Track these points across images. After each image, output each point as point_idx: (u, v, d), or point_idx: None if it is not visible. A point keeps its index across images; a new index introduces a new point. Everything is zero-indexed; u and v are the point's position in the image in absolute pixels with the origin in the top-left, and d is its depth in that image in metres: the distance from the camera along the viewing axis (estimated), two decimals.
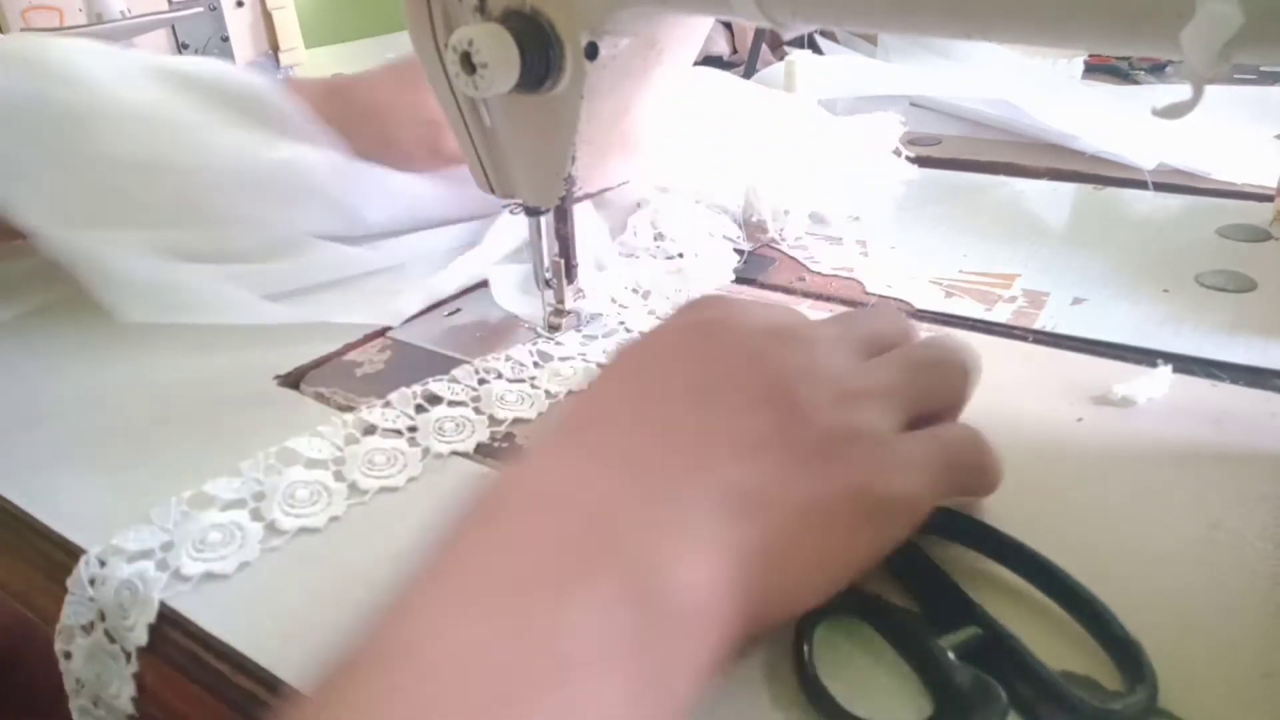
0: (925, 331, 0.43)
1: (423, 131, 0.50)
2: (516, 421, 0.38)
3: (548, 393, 0.39)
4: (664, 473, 0.24)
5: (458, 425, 0.37)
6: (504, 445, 0.36)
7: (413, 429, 0.37)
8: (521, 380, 0.40)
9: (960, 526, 0.28)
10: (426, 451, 0.36)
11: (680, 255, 0.50)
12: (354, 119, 0.50)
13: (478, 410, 0.38)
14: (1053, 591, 0.26)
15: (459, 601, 0.20)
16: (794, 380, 0.26)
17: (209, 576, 0.30)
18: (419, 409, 0.38)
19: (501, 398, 0.39)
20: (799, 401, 0.26)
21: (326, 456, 0.35)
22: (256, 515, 0.32)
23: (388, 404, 0.38)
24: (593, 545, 0.21)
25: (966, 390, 0.30)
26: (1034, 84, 0.81)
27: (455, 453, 0.36)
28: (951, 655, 0.24)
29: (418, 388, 0.39)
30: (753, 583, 0.23)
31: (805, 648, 0.25)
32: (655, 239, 0.51)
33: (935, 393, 0.29)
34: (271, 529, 0.32)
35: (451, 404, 0.39)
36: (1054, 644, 0.25)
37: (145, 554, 0.30)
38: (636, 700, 0.19)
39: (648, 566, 0.21)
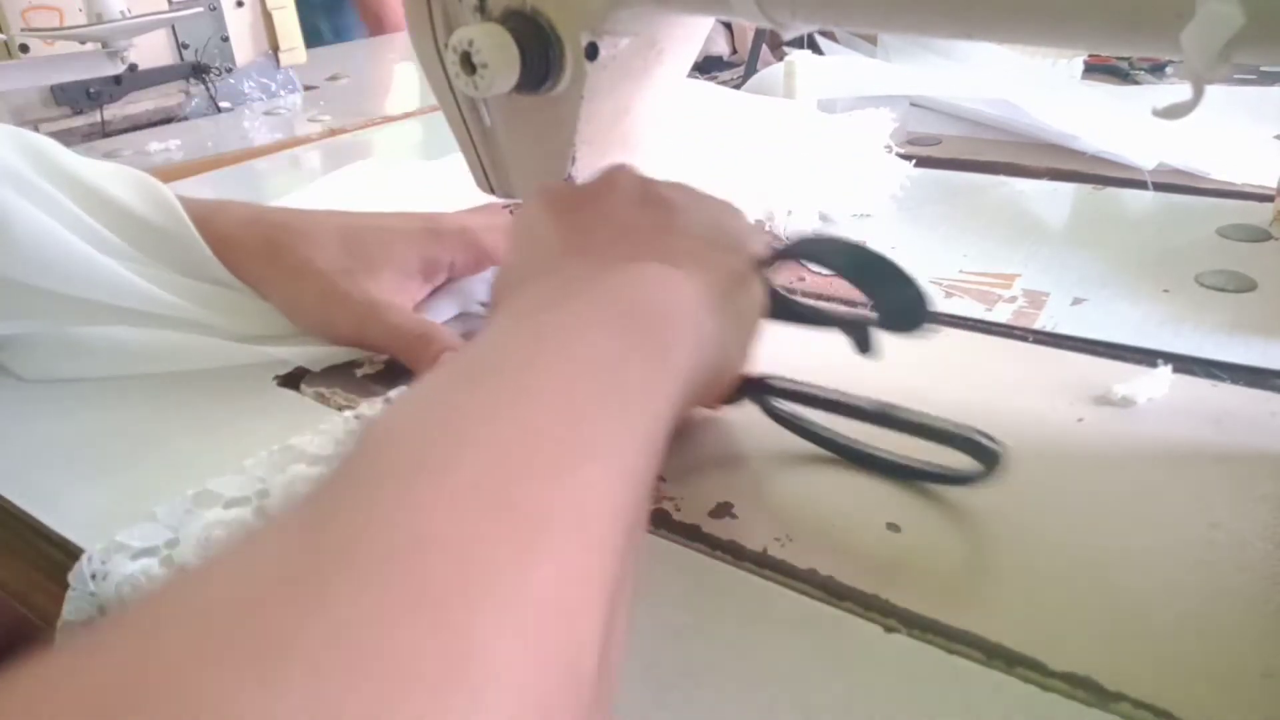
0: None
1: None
2: None
3: None
4: (611, 264, 0.29)
5: None
6: None
7: None
8: None
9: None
10: None
11: None
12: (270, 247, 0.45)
13: None
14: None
15: (481, 340, 0.25)
16: (643, 184, 0.35)
17: None
18: None
19: None
20: (664, 194, 0.34)
21: (329, 453, 0.35)
22: (260, 513, 0.32)
23: (388, 400, 0.38)
24: (579, 292, 0.27)
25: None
26: (1034, 84, 0.81)
27: None
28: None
29: None
30: (726, 306, 0.30)
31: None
32: None
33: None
34: None
35: None
36: None
37: (149, 551, 0.30)
38: (628, 357, 0.24)
39: (630, 287, 0.27)
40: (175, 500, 0.32)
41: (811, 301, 0.35)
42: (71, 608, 0.30)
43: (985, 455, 0.30)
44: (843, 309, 0.33)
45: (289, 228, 0.45)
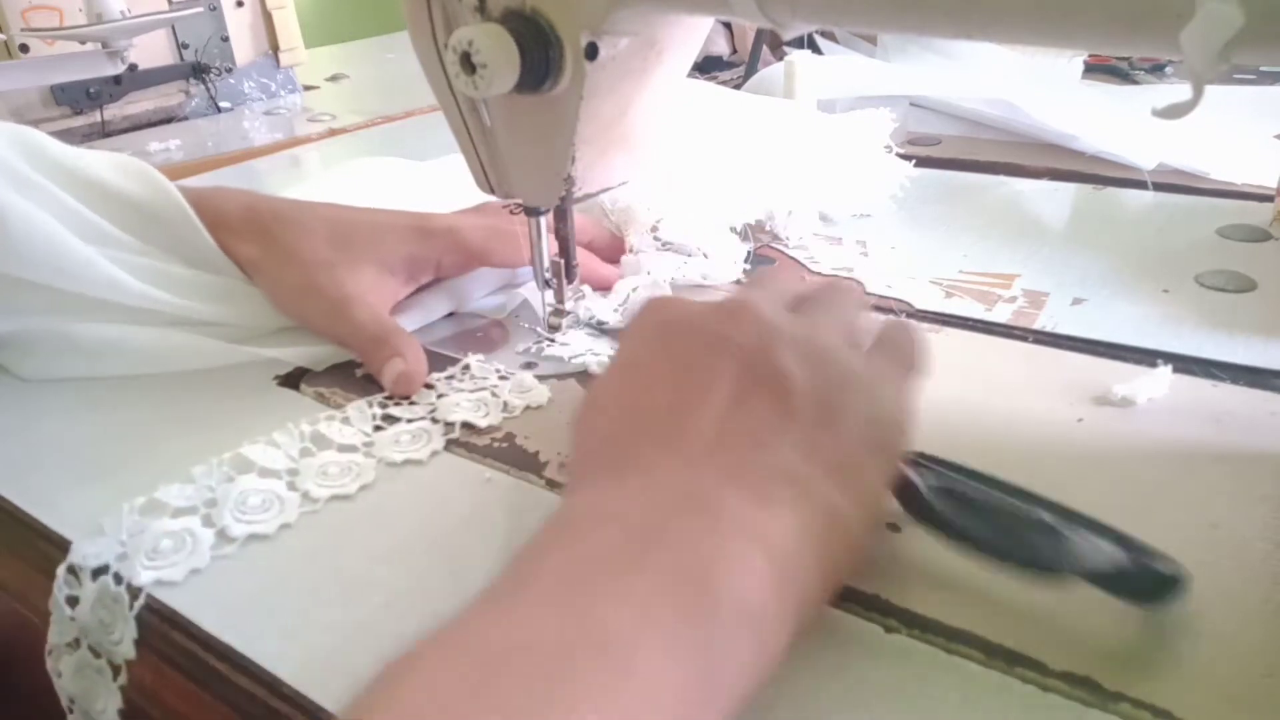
0: (926, 331, 0.43)
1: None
2: (466, 426, 0.38)
3: (505, 404, 0.39)
4: (692, 486, 0.24)
5: (413, 436, 0.37)
6: (504, 445, 0.36)
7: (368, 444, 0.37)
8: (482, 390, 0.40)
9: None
10: (434, 449, 0.36)
11: (690, 256, 0.50)
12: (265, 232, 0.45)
13: (433, 420, 0.38)
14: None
15: (508, 607, 0.21)
16: (763, 351, 0.27)
17: (194, 573, 0.30)
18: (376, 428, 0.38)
19: (458, 405, 0.39)
20: (778, 370, 0.27)
21: (281, 467, 0.35)
22: (207, 521, 0.32)
23: (381, 405, 0.39)
24: (636, 550, 0.22)
25: (861, 298, 0.35)
26: (1034, 84, 0.81)
27: (409, 460, 0.36)
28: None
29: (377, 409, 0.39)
30: (807, 568, 0.24)
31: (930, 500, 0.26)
32: (662, 246, 0.51)
33: (853, 317, 0.32)
34: (223, 536, 0.32)
35: (409, 420, 0.38)
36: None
37: (103, 570, 0.30)
38: (684, 686, 0.20)
39: (691, 571, 0.22)
40: (122, 511, 0.32)
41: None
42: (55, 630, 0.30)
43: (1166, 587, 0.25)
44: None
45: (281, 215, 0.45)
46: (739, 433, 0.26)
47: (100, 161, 0.44)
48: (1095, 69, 0.91)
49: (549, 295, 0.45)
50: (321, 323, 0.44)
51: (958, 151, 0.71)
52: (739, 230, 0.53)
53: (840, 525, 0.25)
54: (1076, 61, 0.90)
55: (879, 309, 0.46)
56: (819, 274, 0.50)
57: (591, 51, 0.35)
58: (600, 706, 0.18)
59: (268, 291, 0.45)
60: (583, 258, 0.46)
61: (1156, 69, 0.90)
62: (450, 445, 0.37)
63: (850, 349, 0.30)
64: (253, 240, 0.44)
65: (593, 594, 0.21)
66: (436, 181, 0.64)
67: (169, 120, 0.94)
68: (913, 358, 0.32)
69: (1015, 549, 0.25)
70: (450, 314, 0.48)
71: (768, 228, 0.55)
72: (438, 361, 0.44)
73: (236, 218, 0.45)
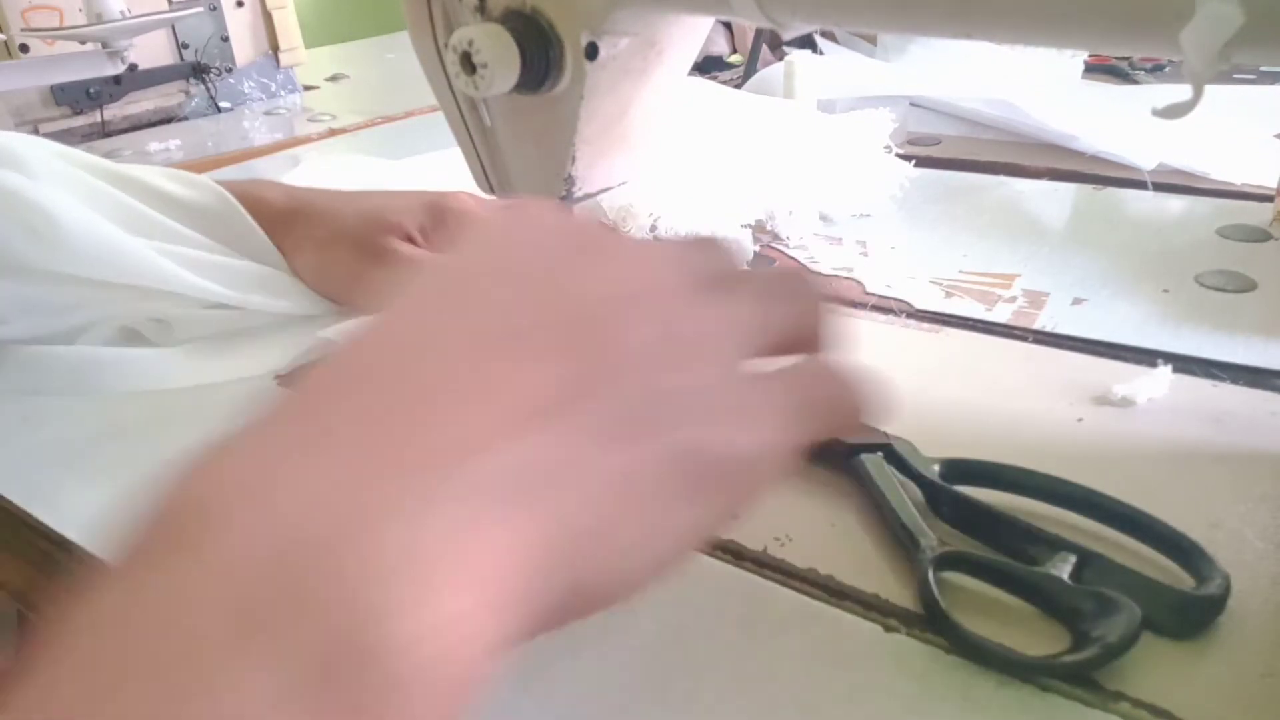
0: (926, 331, 0.43)
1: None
2: None
3: None
4: (408, 464, 0.17)
5: None
6: None
7: None
8: None
9: (992, 474, 0.30)
10: None
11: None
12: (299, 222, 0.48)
13: None
14: (1097, 515, 0.28)
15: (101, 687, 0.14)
16: (606, 317, 0.20)
17: None
18: None
19: None
20: (612, 344, 0.20)
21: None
22: None
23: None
24: (269, 597, 0.15)
25: (822, 320, 0.25)
26: (1034, 84, 0.81)
27: None
28: (1068, 580, 0.25)
29: None
30: (532, 593, 0.17)
31: (939, 603, 0.25)
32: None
33: (786, 325, 0.24)
34: None
35: None
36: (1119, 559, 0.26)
37: None
38: None
39: (347, 627, 0.15)
40: None
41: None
42: None
43: (1203, 562, 0.26)
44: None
45: (316, 199, 0.48)
46: (504, 403, 0.18)
47: (144, 168, 0.47)
48: (1095, 69, 0.91)
49: None
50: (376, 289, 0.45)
51: (958, 151, 0.70)
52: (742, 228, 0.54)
53: (598, 553, 0.19)
54: (1077, 61, 0.90)
55: (879, 309, 0.46)
56: (819, 274, 0.50)
57: (591, 51, 0.35)
58: None
59: (312, 275, 0.47)
60: None
61: (1156, 69, 0.90)
62: None
63: (728, 356, 0.22)
64: (294, 227, 0.47)
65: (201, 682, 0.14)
66: (408, 181, 0.64)
67: (169, 120, 0.94)
68: (828, 407, 0.23)
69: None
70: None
71: (768, 227, 0.55)
72: None
73: (277, 208, 0.47)
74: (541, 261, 0.21)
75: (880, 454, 0.32)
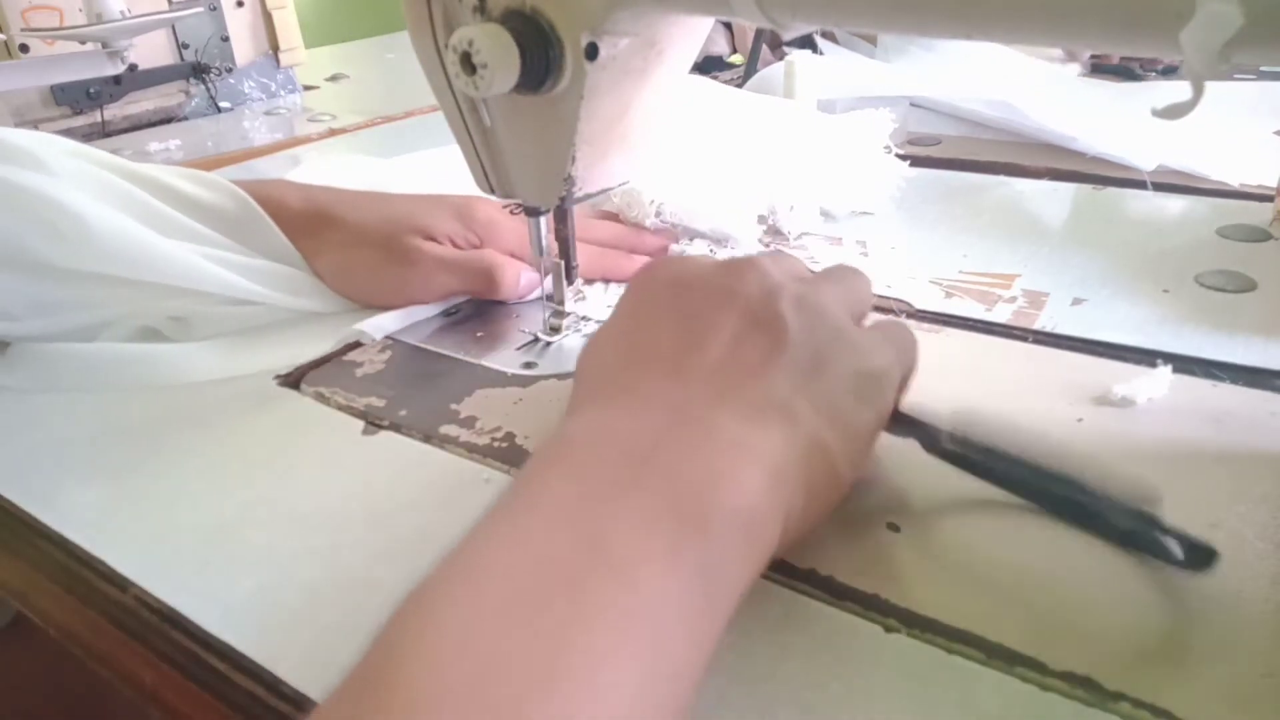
0: (926, 331, 0.43)
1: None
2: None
3: None
4: (688, 407, 0.26)
5: None
6: (504, 445, 0.36)
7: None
8: None
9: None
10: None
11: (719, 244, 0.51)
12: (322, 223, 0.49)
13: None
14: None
15: (519, 525, 0.22)
16: (764, 300, 0.29)
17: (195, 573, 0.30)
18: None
19: None
20: (779, 316, 0.29)
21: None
22: None
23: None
24: (635, 468, 0.24)
25: (870, 290, 0.36)
26: (1035, 84, 0.81)
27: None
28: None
29: None
30: (796, 478, 0.25)
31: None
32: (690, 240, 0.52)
33: (858, 298, 0.34)
34: None
35: None
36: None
37: None
38: (685, 594, 0.21)
39: (688, 484, 0.23)
40: None
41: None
42: None
43: (1195, 554, 0.27)
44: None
45: (337, 202, 0.49)
46: (735, 365, 0.28)
47: (158, 167, 0.47)
48: (1103, 68, 0.91)
49: (548, 290, 0.45)
50: (417, 283, 0.47)
51: (958, 151, 0.70)
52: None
53: (825, 456, 0.27)
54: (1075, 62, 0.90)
55: (879, 309, 0.46)
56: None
57: (591, 51, 0.35)
58: (612, 622, 0.20)
59: (334, 275, 0.48)
60: (609, 255, 0.49)
61: (1168, 71, 0.90)
62: (449, 444, 0.37)
63: (843, 308, 0.31)
64: (314, 229, 0.48)
65: (597, 514, 0.22)
66: (406, 178, 0.64)
67: (169, 120, 0.94)
68: (907, 346, 0.33)
69: (1043, 493, 0.28)
70: (451, 314, 0.48)
71: (770, 222, 0.56)
72: (438, 362, 0.44)
73: (296, 210, 0.48)
74: (713, 275, 0.31)
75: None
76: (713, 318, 0.29)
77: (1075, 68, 0.89)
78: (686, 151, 0.55)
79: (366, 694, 0.19)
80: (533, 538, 0.22)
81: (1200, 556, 0.26)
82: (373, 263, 0.47)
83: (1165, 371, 0.37)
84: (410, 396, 0.40)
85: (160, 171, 0.46)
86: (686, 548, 0.22)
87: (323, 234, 0.48)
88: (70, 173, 0.43)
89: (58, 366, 0.44)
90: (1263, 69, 0.84)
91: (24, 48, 0.82)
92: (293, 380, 0.42)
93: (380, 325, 0.46)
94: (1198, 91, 0.23)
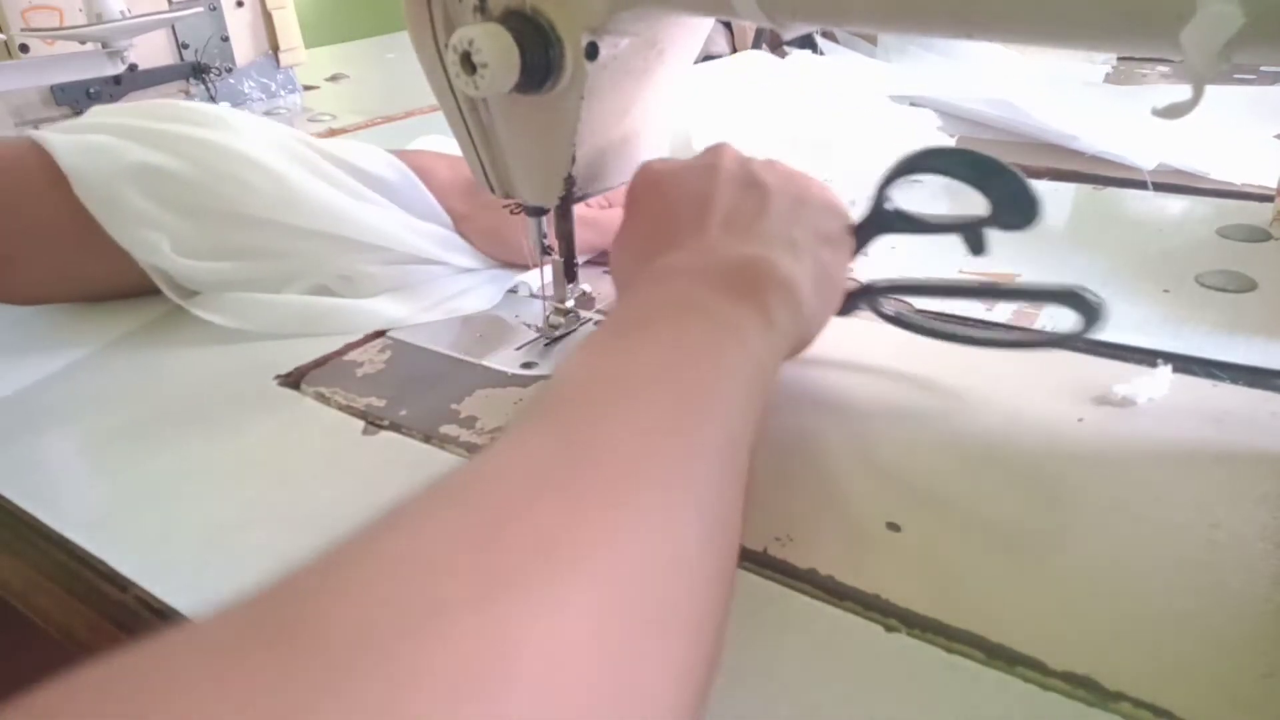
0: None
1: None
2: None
3: None
4: (716, 249, 0.33)
5: None
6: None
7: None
8: None
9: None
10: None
11: None
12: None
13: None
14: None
15: (636, 337, 0.28)
16: (742, 167, 0.38)
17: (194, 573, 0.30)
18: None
19: None
20: (759, 178, 0.37)
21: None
22: None
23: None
24: (714, 283, 0.31)
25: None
26: (1035, 84, 0.81)
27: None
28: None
29: None
30: (809, 286, 0.33)
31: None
32: None
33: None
34: None
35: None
36: None
37: None
38: (770, 348, 0.30)
39: (744, 281, 0.31)
40: None
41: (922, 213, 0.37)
42: None
43: (1086, 309, 0.34)
44: (955, 217, 0.36)
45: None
46: (738, 218, 0.35)
47: (327, 141, 0.51)
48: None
49: (549, 292, 0.45)
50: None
51: None
52: None
53: (824, 269, 0.35)
54: (1102, 66, 0.90)
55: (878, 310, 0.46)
56: None
57: (592, 51, 0.35)
58: (728, 368, 0.27)
59: (482, 237, 0.52)
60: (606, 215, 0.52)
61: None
62: (449, 444, 0.37)
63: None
64: (464, 195, 0.51)
65: (689, 322, 0.29)
66: None
67: None
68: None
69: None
70: (456, 310, 0.48)
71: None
72: (439, 361, 0.44)
73: (445, 179, 0.52)
74: (693, 163, 0.39)
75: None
76: (708, 191, 0.36)
77: (1104, 67, 0.89)
78: (744, 119, 0.56)
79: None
80: (643, 345, 0.27)
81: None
82: (520, 225, 0.49)
83: (1165, 371, 0.37)
84: (410, 396, 0.40)
85: (326, 143, 0.50)
86: (766, 311, 0.30)
87: (471, 199, 0.51)
88: (258, 134, 0.48)
89: (250, 312, 0.47)
90: (1263, 69, 0.84)
91: (24, 48, 0.82)
92: (293, 380, 0.42)
93: (530, 280, 0.51)
94: (1198, 91, 0.23)
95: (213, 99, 0.97)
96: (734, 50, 1.05)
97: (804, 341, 0.35)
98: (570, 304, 0.45)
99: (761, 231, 0.34)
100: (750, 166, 0.38)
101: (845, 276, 0.38)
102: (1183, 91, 0.23)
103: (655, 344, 0.27)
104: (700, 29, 0.40)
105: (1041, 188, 0.62)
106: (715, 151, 0.38)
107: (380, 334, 0.47)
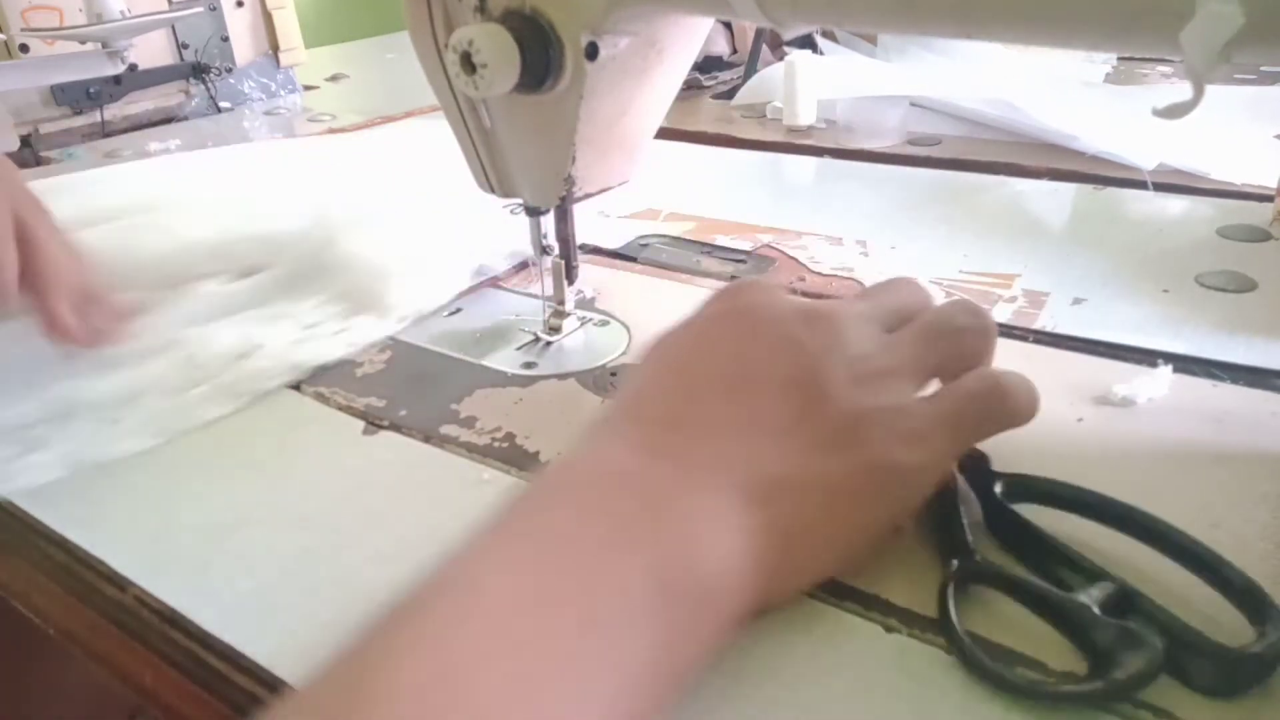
0: None
1: None
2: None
3: None
4: (698, 462, 0.26)
5: None
6: (504, 445, 0.36)
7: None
8: None
9: (1056, 493, 0.30)
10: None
11: None
12: None
13: None
14: (1162, 546, 0.27)
15: (516, 554, 0.23)
16: (819, 363, 0.28)
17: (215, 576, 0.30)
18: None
19: None
20: (822, 384, 0.28)
21: None
22: None
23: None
24: (634, 522, 0.24)
25: (987, 346, 0.32)
26: (1035, 84, 0.81)
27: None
28: (1096, 610, 0.24)
29: None
30: (771, 563, 0.25)
31: (951, 612, 0.26)
32: None
33: (954, 355, 0.31)
34: None
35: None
36: (1169, 598, 0.25)
37: None
38: (657, 656, 0.22)
39: (679, 546, 0.24)
40: None
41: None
42: None
43: (1264, 613, 0.25)
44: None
45: None
46: (759, 427, 0.27)
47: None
48: None
49: (549, 290, 0.45)
50: None
51: (958, 151, 0.70)
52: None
53: (811, 544, 0.26)
54: (1103, 66, 0.90)
55: None
56: (819, 274, 0.50)
57: (591, 51, 0.35)
58: (585, 670, 0.21)
59: None
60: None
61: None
62: (449, 444, 0.37)
63: (908, 385, 0.29)
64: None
65: (587, 564, 0.23)
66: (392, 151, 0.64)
67: (169, 120, 0.94)
68: (988, 414, 0.30)
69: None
70: (452, 313, 0.48)
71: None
72: (438, 361, 0.44)
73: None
74: (786, 319, 0.29)
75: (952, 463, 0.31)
76: (767, 366, 0.28)
77: (1105, 67, 0.88)
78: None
79: (347, 694, 0.19)
80: (524, 569, 0.22)
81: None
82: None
83: (1165, 371, 0.37)
84: (410, 396, 0.40)
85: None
86: (661, 613, 0.22)
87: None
88: None
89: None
90: (1263, 69, 0.84)
91: (24, 48, 0.82)
92: (293, 380, 0.42)
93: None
94: (1198, 91, 0.23)
95: (213, 99, 0.97)
96: (734, 50, 1.05)
97: (733, 627, 0.25)
98: (570, 305, 0.45)
99: (764, 464, 0.26)
100: (827, 361, 0.28)
101: (848, 559, 0.28)
102: (1183, 91, 0.23)
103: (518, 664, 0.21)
104: (700, 29, 0.40)
105: (1041, 188, 0.62)
106: (820, 318, 0.29)
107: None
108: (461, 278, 0.50)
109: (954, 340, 0.31)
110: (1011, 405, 0.29)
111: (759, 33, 0.93)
